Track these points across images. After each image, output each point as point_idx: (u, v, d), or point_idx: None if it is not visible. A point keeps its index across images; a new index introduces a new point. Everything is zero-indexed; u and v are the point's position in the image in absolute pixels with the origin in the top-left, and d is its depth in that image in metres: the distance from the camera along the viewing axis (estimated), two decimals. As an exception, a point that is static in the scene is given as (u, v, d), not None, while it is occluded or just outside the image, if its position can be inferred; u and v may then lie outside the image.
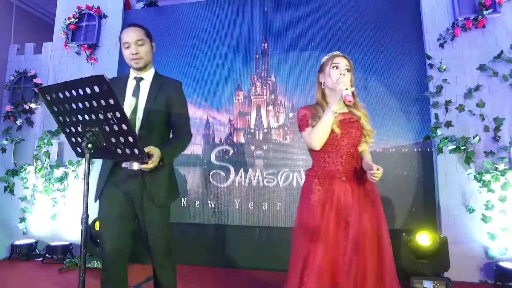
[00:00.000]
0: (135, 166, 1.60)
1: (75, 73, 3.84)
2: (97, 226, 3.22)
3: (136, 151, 1.30)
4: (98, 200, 1.75)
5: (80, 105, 1.30)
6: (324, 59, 1.78)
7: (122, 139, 1.30)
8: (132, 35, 1.72)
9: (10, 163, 3.75)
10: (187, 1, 3.97)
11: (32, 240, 3.55)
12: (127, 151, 1.32)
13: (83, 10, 3.90)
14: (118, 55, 3.82)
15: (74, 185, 3.60)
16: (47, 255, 3.38)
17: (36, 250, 3.53)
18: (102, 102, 1.23)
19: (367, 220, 1.56)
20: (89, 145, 1.32)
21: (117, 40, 3.84)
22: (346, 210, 1.56)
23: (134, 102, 1.73)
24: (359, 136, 1.70)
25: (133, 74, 1.82)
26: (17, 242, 3.49)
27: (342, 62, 1.69)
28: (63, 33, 3.90)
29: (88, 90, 1.24)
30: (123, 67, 3.82)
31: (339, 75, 1.65)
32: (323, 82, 1.73)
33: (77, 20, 3.89)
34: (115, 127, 1.28)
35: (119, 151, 1.35)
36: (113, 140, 1.32)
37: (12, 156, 3.76)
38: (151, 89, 1.77)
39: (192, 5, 3.81)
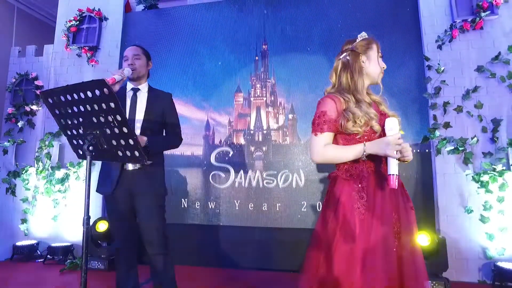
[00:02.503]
0: (130, 166, 1.93)
1: (76, 75, 3.87)
2: (98, 227, 3.24)
3: (136, 153, 1.33)
4: (105, 195, 2.03)
5: (82, 108, 1.33)
6: (363, 39, 1.47)
7: (122, 142, 1.33)
8: (131, 51, 2.07)
9: (12, 164, 3.77)
10: (187, 4, 4.00)
11: (33, 241, 3.58)
12: (128, 153, 1.35)
13: (84, 12, 3.93)
14: (118, 58, 3.84)
15: (75, 186, 3.63)
16: (48, 256, 3.40)
17: (38, 251, 3.56)
18: (103, 105, 1.25)
19: (413, 226, 1.35)
20: (90, 148, 1.34)
21: (118, 42, 3.88)
22: (393, 218, 1.32)
23: (134, 110, 2.02)
24: None
25: (130, 85, 2.10)
26: (18, 243, 3.52)
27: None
28: (64, 35, 3.92)
29: (89, 94, 1.26)
30: (124, 69, 3.85)
31: (383, 68, 1.46)
32: (364, 67, 1.44)
33: (78, 22, 3.91)
34: (116, 130, 1.30)
35: (119, 153, 1.37)
36: (114, 142, 1.35)
37: (13, 158, 3.79)
38: (148, 99, 2.07)
39: (192, 8, 3.84)
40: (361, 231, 1.26)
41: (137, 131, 1.98)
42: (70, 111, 1.38)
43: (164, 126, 2.14)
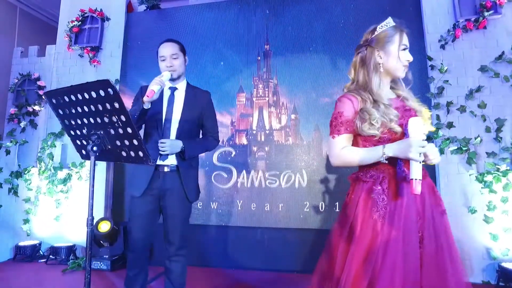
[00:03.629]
0: (166, 168, 1.92)
1: (78, 75, 3.87)
2: (100, 227, 3.24)
3: (140, 153, 1.32)
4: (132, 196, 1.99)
5: (86, 108, 1.33)
6: (382, 30, 1.33)
7: (127, 142, 1.32)
8: (168, 49, 1.95)
9: (14, 165, 3.78)
10: (189, 4, 4.00)
11: (36, 242, 3.58)
12: (132, 154, 1.34)
13: (86, 13, 3.93)
14: (120, 58, 3.84)
15: (77, 186, 3.63)
16: (50, 256, 3.41)
17: (40, 251, 3.56)
18: (108, 106, 1.25)
19: (442, 234, 1.24)
20: (95, 148, 1.34)
21: (120, 43, 3.88)
22: (417, 223, 1.22)
23: (171, 110, 1.96)
24: None
25: (167, 84, 2.01)
26: (21, 243, 3.52)
27: (408, 43, 1.34)
28: (66, 36, 3.92)
29: (93, 94, 1.26)
30: (126, 69, 3.86)
31: (407, 61, 1.33)
32: (382, 63, 1.33)
33: (80, 23, 3.91)
34: (120, 130, 1.30)
35: (124, 153, 1.37)
36: (118, 143, 1.35)
37: (16, 158, 3.79)
38: (186, 98, 2.01)
39: (194, 8, 3.84)
40: (381, 235, 1.19)
41: (173, 132, 1.94)
42: (74, 111, 1.38)
43: (201, 127, 2.09)
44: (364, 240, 1.20)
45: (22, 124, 3.88)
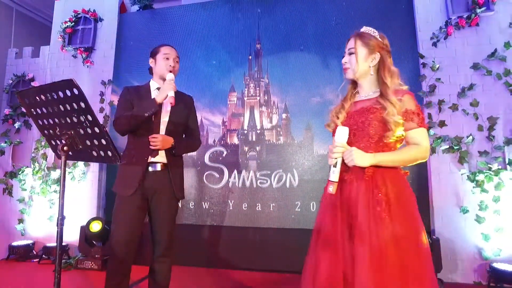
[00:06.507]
0: (158, 166, 1.93)
1: (72, 76, 3.84)
2: (91, 227, 3.25)
3: (109, 153, 1.32)
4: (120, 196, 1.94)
5: (56, 108, 1.32)
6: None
7: (96, 142, 1.32)
8: (174, 51, 2.04)
9: (9, 165, 3.81)
10: (182, 3, 4.00)
11: (29, 241, 3.60)
12: (102, 153, 1.34)
13: (79, 13, 3.95)
14: (113, 58, 3.85)
15: (70, 186, 3.63)
16: (43, 255, 3.42)
17: (33, 251, 3.58)
18: (74, 105, 1.25)
19: (373, 238, 1.24)
20: (65, 148, 1.33)
21: (113, 43, 3.89)
22: (351, 217, 1.32)
23: (160, 110, 1.96)
24: (374, 127, 1.34)
25: (155, 84, 2.04)
26: (14, 243, 3.54)
27: (347, 49, 1.49)
28: (60, 37, 3.94)
29: (61, 94, 1.26)
30: (119, 69, 3.86)
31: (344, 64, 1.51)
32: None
33: (73, 23, 3.93)
34: (89, 130, 1.29)
35: (94, 153, 1.36)
36: (88, 142, 1.34)
37: (10, 158, 3.82)
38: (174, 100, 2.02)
39: (186, 7, 3.84)
40: (322, 223, 1.44)
41: (162, 133, 1.95)
42: (45, 111, 1.37)
43: (186, 127, 2.12)
44: (316, 223, 1.50)
45: (17, 124, 3.90)
